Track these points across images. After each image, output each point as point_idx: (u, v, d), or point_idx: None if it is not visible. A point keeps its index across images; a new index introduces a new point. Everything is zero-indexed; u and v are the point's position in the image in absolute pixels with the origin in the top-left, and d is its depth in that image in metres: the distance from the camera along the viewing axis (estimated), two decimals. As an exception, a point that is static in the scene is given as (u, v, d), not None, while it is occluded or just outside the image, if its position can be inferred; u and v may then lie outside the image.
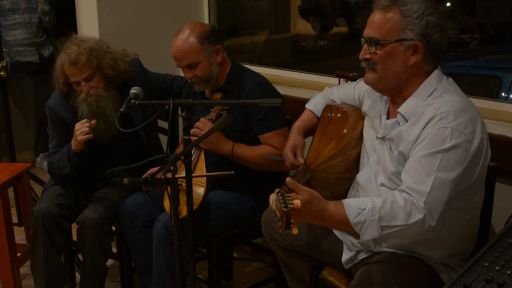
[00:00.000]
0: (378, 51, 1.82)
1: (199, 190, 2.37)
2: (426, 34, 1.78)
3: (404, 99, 1.86)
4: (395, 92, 1.90)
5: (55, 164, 2.69)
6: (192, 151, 2.43)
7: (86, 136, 2.50)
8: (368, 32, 1.84)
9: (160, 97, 2.84)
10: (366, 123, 2.08)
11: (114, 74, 2.63)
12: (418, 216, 1.67)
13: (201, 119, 2.44)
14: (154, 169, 2.57)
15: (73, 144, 2.57)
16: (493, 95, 2.64)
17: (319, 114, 2.27)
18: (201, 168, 2.43)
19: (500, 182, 2.08)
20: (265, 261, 3.35)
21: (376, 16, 1.83)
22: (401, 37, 1.79)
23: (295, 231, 1.54)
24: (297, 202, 1.58)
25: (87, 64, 2.54)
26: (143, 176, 2.58)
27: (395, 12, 1.79)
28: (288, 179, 1.70)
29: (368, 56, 1.85)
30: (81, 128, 2.51)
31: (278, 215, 1.57)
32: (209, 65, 2.50)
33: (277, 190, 1.70)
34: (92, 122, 2.53)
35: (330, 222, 1.72)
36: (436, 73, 1.85)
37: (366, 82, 1.92)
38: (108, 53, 2.64)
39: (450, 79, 1.90)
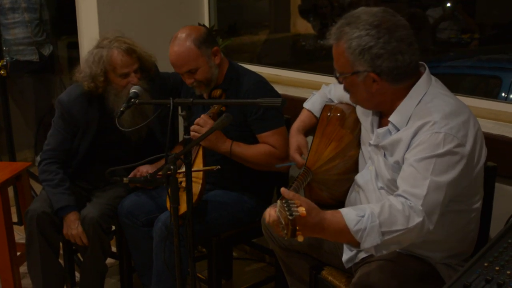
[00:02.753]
0: (343, 82, 1.86)
1: (194, 187, 2.36)
2: (374, 65, 1.77)
3: (392, 110, 1.85)
4: (379, 109, 1.92)
5: (47, 188, 2.69)
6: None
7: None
8: (334, 63, 1.88)
9: (173, 96, 2.82)
10: (363, 125, 2.08)
11: (150, 66, 2.69)
12: (417, 219, 1.67)
13: (202, 116, 2.43)
14: (141, 168, 2.58)
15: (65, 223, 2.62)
16: (493, 95, 2.65)
17: (317, 114, 2.26)
18: (198, 165, 2.44)
19: (500, 183, 2.08)
20: (265, 260, 3.35)
21: (333, 49, 1.85)
22: (355, 70, 1.80)
23: (300, 238, 1.51)
24: (302, 210, 1.52)
25: (138, 55, 2.61)
26: (131, 175, 2.60)
27: (342, 48, 1.80)
28: (282, 190, 1.64)
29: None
30: (72, 233, 2.60)
31: (283, 222, 1.54)
32: (208, 68, 2.50)
33: (281, 196, 1.68)
34: (84, 241, 2.61)
35: (329, 231, 1.65)
36: (423, 79, 1.83)
37: (351, 102, 1.98)
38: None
39: (438, 80, 1.88)
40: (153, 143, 2.79)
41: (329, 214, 1.66)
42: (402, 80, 1.81)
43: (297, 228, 1.51)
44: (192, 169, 2.39)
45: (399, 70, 1.78)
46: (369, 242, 1.66)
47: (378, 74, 1.77)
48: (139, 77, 2.62)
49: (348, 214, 1.67)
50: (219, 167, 2.35)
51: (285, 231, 1.52)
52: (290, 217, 1.50)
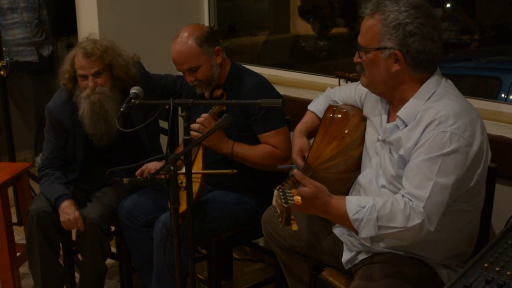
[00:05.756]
0: (363, 57, 1.85)
1: (193, 186, 2.36)
2: (404, 44, 1.78)
3: (402, 103, 1.86)
4: (388, 96, 1.92)
5: (44, 187, 2.71)
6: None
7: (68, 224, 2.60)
8: (358, 37, 1.88)
9: (162, 99, 2.82)
10: (368, 125, 2.08)
11: (124, 76, 2.63)
12: (416, 221, 1.68)
13: (206, 116, 2.42)
14: (149, 164, 2.58)
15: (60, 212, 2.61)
16: (493, 96, 2.65)
17: (321, 115, 2.26)
18: (198, 165, 2.44)
19: (500, 183, 2.08)
20: (265, 261, 3.35)
21: (364, 23, 1.86)
22: (381, 46, 1.80)
23: (294, 227, 1.58)
24: (297, 199, 1.60)
25: (100, 59, 2.55)
26: (139, 171, 2.60)
27: (376, 21, 1.81)
28: (295, 171, 1.75)
29: (358, 60, 1.89)
30: (69, 218, 2.58)
31: (279, 211, 1.60)
32: (210, 67, 2.50)
33: (278, 186, 1.71)
34: (80, 226, 2.59)
35: (332, 215, 1.77)
36: (434, 77, 1.84)
37: (361, 84, 1.96)
38: (121, 56, 2.65)
39: (449, 81, 1.89)
40: (140, 145, 2.79)
41: (335, 199, 1.75)
42: (422, 69, 1.82)
43: (292, 217, 1.59)
44: (207, 171, 2.40)
45: (425, 56, 1.79)
46: (365, 232, 1.72)
47: (404, 54, 1.78)
48: (102, 82, 2.57)
49: (351, 203, 1.74)
50: (236, 171, 2.34)
51: (280, 219, 1.60)
52: (285, 205, 1.57)
